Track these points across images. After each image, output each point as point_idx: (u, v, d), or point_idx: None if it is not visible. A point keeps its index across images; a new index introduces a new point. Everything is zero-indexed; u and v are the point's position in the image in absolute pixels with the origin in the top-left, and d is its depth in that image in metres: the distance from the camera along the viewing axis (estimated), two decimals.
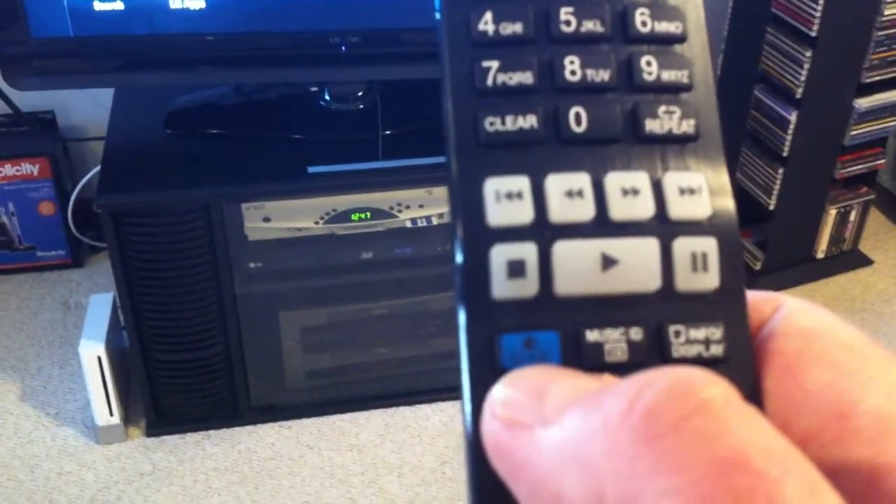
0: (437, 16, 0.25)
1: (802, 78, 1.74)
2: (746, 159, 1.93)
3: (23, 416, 1.69)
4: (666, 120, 0.24)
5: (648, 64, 0.25)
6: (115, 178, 1.46)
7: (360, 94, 1.61)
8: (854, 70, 1.78)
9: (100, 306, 1.63)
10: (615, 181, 0.24)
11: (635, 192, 0.23)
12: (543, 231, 0.23)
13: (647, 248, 0.23)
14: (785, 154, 1.83)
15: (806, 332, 0.24)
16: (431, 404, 1.72)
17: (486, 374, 0.23)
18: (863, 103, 1.82)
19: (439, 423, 1.69)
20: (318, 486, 1.59)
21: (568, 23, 0.25)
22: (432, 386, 1.72)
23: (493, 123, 0.24)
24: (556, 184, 0.23)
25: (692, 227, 0.24)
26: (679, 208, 0.24)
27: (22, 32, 1.40)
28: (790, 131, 1.79)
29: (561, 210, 0.23)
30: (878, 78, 1.80)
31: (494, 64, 0.24)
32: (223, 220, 1.47)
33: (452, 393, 1.64)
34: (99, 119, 1.86)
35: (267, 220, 1.50)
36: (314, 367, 1.69)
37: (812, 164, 1.88)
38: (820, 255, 2.03)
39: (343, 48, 1.46)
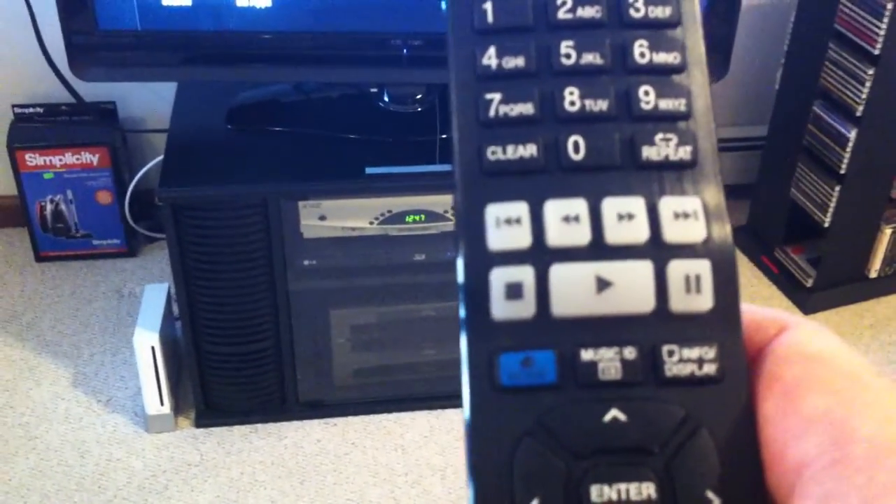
0: (447, 51, 0.26)
1: (863, 96, 1.72)
2: (802, 175, 1.91)
3: (74, 401, 1.71)
4: (663, 147, 0.25)
5: (646, 94, 0.25)
6: (177, 171, 1.48)
7: (418, 96, 1.62)
8: None
9: (154, 296, 1.65)
10: (611, 206, 0.25)
11: (630, 216, 0.24)
12: (541, 255, 0.24)
13: (641, 271, 0.24)
14: (842, 171, 1.81)
15: (808, 359, 0.24)
16: None
17: (486, 389, 0.24)
18: None
19: None
20: (362, 483, 1.60)
21: (568, 56, 0.26)
22: None
23: (494, 152, 0.25)
24: (553, 209, 0.24)
25: (686, 251, 0.24)
26: (673, 232, 0.24)
27: (90, 24, 1.42)
28: (849, 149, 1.78)
29: (558, 235, 0.24)
30: None
31: (497, 96, 0.25)
32: (280, 217, 1.49)
33: None
34: (158, 111, 1.89)
35: (323, 218, 1.51)
36: (362, 365, 1.70)
37: (869, 182, 1.86)
38: (873, 274, 2.01)
39: (405, 51, 1.47)
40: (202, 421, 1.67)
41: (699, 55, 0.26)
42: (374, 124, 1.60)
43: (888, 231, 1.95)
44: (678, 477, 0.23)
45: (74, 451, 1.63)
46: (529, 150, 0.25)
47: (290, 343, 1.61)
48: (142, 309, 1.62)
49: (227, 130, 1.59)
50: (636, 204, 0.24)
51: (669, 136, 0.25)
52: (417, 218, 1.54)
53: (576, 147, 0.25)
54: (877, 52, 1.69)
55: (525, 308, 0.24)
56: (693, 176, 0.25)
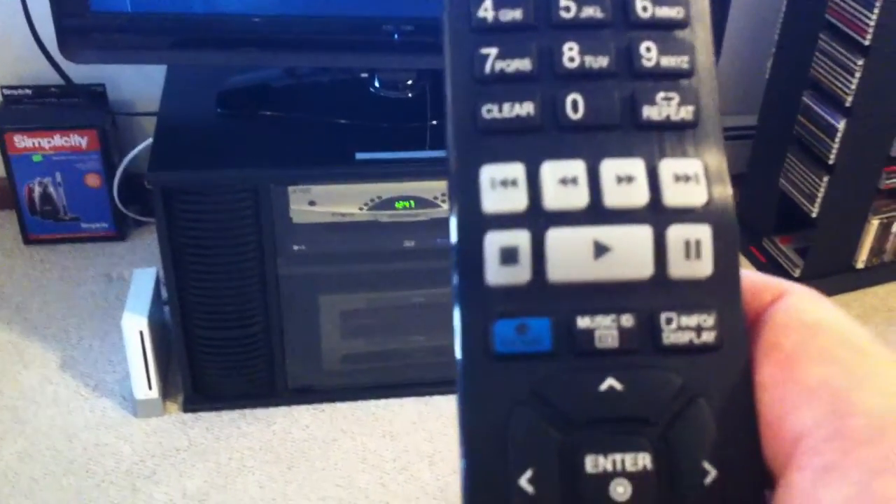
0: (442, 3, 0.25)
1: (853, 86, 1.73)
2: (791, 165, 1.92)
3: (62, 385, 1.71)
4: (664, 106, 0.24)
5: (648, 50, 0.25)
6: (166, 154, 1.48)
7: (409, 82, 1.61)
8: None
9: (143, 280, 1.65)
10: (610, 168, 0.24)
11: (630, 179, 0.24)
12: (537, 218, 0.23)
13: (640, 236, 0.24)
14: (831, 162, 1.82)
15: (807, 326, 0.23)
16: None
17: (479, 357, 0.23)
18: None
19: None
20: (350, 469, 1.60)
21: (568, 9, 0.25)
22: None
23: (490, 111, 0.24)
24: (550, 171, 0.24)
25: (687, 215, 0.24)
26: (674, 195, 0.24)
27: (81, 5, 1.41)
28: (837, 139, 1.78)
29: (555, 197, 0.24)
30: None
31: (493, 51, 0.24)
32: (269, 202, 1.49)
33: None
34: (148, 94, 1.88)
35: (312, 203, 1.51)
36: (351, 351, 1.70)
37: (857, 173, 1.87)
38: (860, 264, 2.01)
39: (396, 36, 1.47)
40: (190, 406, 1.67)
41: (703, 9, 0.25)
42: (364, 110, 1.60)
43: (875, 222, 1.96)
44: (674, 447, 0.23)
45: (62, 435, 1.63)
46: (526, 109, 0.24)
47: (279, 328, 1.61)
48: (130, 293, 1.62)
49: (218, 114, 1.59)
50: (636, 166, 0.24)
51: (671, 94, 0.24)
52: (407, 204, 1.54)
53: (574, 106, 0.24)
54: (867, 43, 1.69)
55: (520, 273, 0.23)
56: (695, 137, 0.24)
